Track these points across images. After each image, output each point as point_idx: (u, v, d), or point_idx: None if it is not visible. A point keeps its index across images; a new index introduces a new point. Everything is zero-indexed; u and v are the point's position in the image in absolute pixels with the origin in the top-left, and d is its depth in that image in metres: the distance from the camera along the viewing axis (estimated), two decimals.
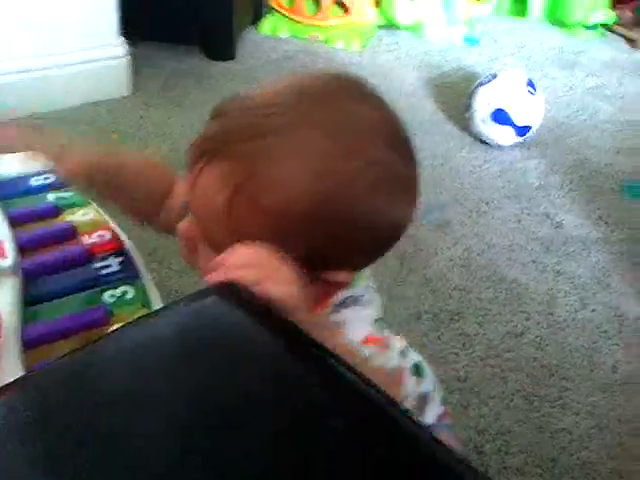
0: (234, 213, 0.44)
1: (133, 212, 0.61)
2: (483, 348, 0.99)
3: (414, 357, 0.49)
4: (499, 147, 1.53)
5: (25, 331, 0.51)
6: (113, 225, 0.67)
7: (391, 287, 1.09)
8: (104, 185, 0.58)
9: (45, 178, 0.72)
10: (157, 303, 0.59)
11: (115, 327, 0.53)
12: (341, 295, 0.50)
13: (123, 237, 0.65)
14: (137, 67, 1.70)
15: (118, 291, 0.57)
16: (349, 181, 0.45)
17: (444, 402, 0.50)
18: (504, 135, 1.50)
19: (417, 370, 0.49)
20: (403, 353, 0.48)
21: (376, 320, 0.50)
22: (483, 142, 1.54)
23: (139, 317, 0.40)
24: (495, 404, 0.91)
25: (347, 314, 0.49)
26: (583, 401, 0.93)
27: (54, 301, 0.55)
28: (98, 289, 0.57)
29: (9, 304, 0.52)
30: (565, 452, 0.86)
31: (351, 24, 2.10)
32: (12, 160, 0.73)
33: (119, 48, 1.58)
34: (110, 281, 0.58)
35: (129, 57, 1.61)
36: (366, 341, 0.47)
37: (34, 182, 0.71)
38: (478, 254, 1.19)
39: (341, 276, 0.48)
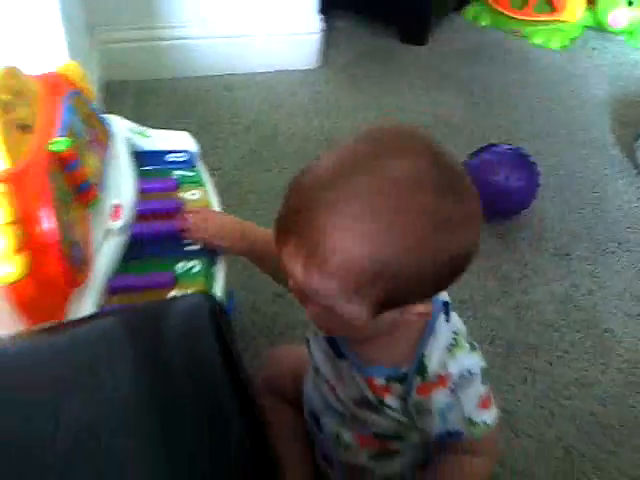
0: (308, 280, 0.54)
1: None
2: (543, 388, 1.01)
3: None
4: None
5: (111, 280, 0.69)
6: (215, 206, 0.84)
7: (480, 304, 1.14)
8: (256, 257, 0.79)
9: (180, 156, 0.90)
10: (219, 285, 0.75)
11: (176, 292, 0.70)
12: None
13: None
14: (332, 40, 1.85)
15: (189, 264, 0.73)
16: (402, 235, 0.51)
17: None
18: None
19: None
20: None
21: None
22: None
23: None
24: (529, 444, 0.94)
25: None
26: (625, 471, 0.92)
27: (142, 260, 0.73)
28: (175, 258, 0.74)
29: (109, 257, 0.71)
30: None
31: (556, 21, 2.02)
32: (159, 136, 0.92)
33: (314, 24, 1.73)
34: (187, 255, 0.75)
35: (323, 33, 1.76)
36: None
37: (170, 158, 0.89)
38: (584, 294, 1.18)
39: (420, 308, 0.57)
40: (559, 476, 0.91)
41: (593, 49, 2.01)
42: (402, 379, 0.64)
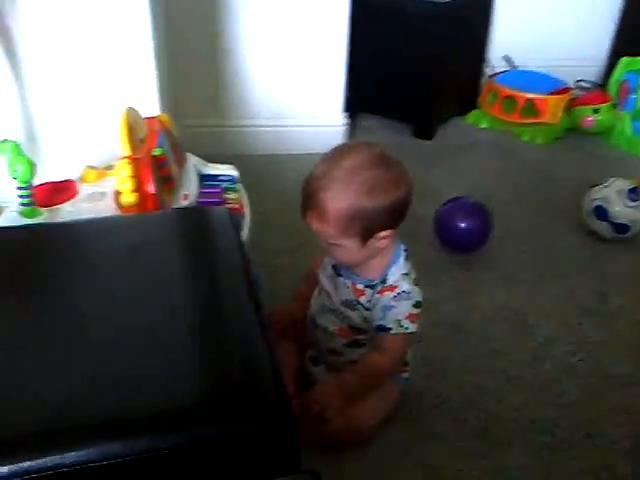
0: (321, 229, 1.03)
1: None
2: (471, 352, 1.40)
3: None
4: (602, 239, 1.84)
5: None
6: (244, 203, 1.34)
7: (437, 302, 1.55)
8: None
9: (226, 177, 1.41)
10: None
11: None
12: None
13: (245, 209, 1.31)
14: (359, 134, 2.40)
15: None
16: (362, 193, 0.99)
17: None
18: (604, 229, 1.81)
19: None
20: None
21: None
22: (591, 232, 1.86)
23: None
24: (452, 377, 1.32)
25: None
26: (510, 401, 1.29)
27: None
28: None
29: None
30: None
31: (541, 123, 2.51)
32: (215, 166, 1.44)
33: (340, 119, 2.29)
34: None
35: (347, 126, 2.31)
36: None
37: (221, 177, 1.41)
38: (518, 302, 1.57)
39: (384, 234, 1.03)
40: (463, 394, 1.31)
41: (570, 145, 2.48)
42: (373, 286, 1.11)
